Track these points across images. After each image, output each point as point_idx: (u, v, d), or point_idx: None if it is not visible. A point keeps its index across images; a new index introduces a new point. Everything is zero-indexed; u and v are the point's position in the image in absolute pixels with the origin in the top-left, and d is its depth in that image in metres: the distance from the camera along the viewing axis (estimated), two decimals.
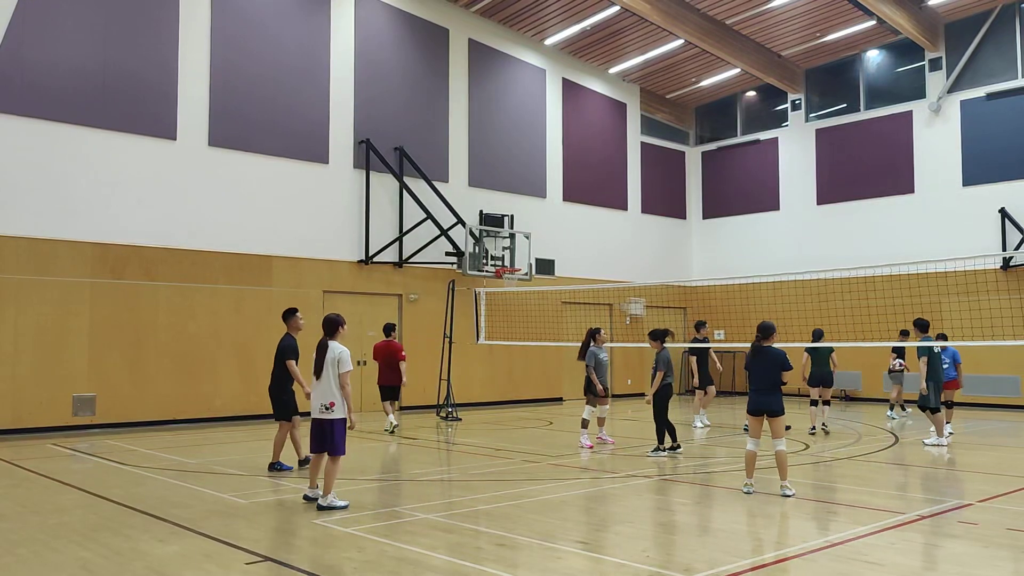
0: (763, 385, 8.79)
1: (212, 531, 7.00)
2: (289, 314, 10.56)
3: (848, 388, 22.20)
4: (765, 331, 8.98)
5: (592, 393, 12.55)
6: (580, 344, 13.00)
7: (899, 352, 16.92)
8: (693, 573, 5.69)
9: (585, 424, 12.57)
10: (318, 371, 8.14)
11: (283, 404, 10.21)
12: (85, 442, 13.08)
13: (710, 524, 7.38)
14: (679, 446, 11.80)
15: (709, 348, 15.84)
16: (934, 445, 12.67)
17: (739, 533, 7.18)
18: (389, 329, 14.89)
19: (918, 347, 12.86)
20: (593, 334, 12.83)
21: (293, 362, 10.12)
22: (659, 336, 12.02)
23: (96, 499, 8.41)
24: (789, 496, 8.39)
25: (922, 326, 13.18)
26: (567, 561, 6.08)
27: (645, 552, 6.37)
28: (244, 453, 11.91)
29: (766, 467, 9.75)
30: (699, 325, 16.09)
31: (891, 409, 17.80)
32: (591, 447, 12.29)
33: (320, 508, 7.87)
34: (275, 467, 10.25)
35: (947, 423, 14.06)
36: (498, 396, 20.44)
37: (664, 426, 11.70)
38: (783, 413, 8.81)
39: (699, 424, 15.49)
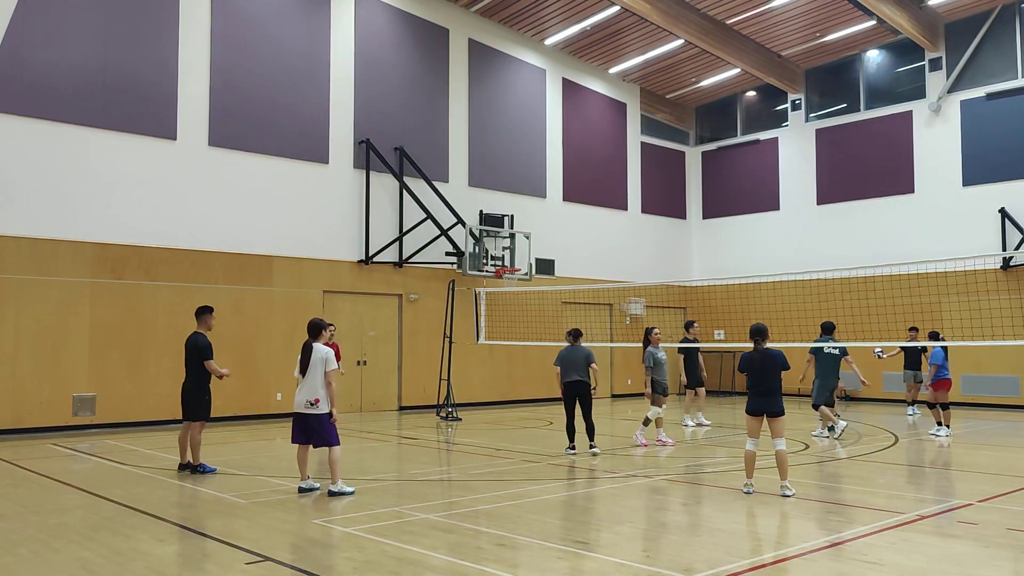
0: (764, 387, 8.76)
1: (212, 531, 7.00)
2: (205, 311, 10.37)
3: (848, 388, 22.19)
4: (763, 333, 8.96)
5: (657, 392, 12.63)
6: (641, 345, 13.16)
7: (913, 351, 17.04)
8: (693, 573, 5.69)
9: (647, 423, 12.66)
10: (304, 370, 8.74)
11: (203, 404, 10.09)
12: (85, 442, 13.08)
13: (710, 524, 7.38)
14: (574, 448, 11.74)
15: (698, 348, 15.89)
16: (817, 436, 13.67)
17: (739, 533, 7.19)
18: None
19: (811, 347, 13.68)
20: (648, 334, 12.90)
21: (212, 361, 10.05)
22: (575, 335, 12.14)
23: (96, 499, 8.41)
24: (789, 496, 8.39)
25: (826, 328, 13.95)
26: (567, 561, 6.08)
27: (645, 552, 6.37)
28: (243, 453, 11.92)
29: (766, 467, 9.75)
30: (688, 325, 16.18)
31: (910, 406, 17.95)
32: (645, 445, 12.39)
33: (331, 494, 8.50)
34: (196, 468, 9.98)
35: (943, 425, 14.06)
36: (498, 396, 20.44)
37: (576, 424, 11.80)
38: (784, 413, 8.80)
39: (691, 423, 15.59)
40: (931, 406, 14.37)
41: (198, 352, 10.10)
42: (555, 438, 14.06)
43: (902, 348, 17.04)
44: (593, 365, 11.67)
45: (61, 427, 14.11)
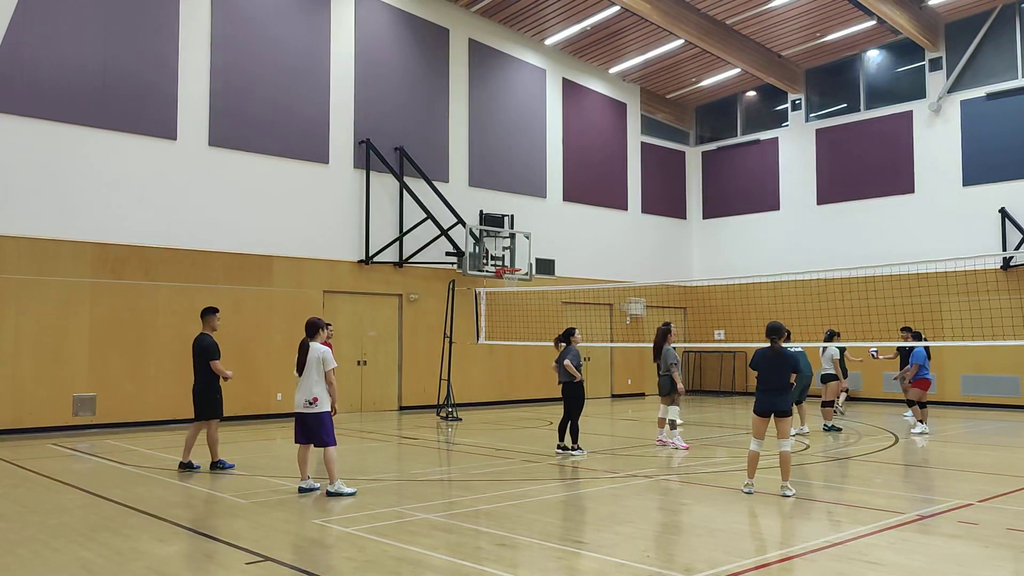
0: (774, 385, 8.71)
1: (212, 531, 7.00)
2: (210, 312, 10.55)
3: (848, 388, 22.18)
4: (780, 332, 8.92)
5: (674, 392, 12.54)
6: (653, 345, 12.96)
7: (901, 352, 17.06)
8: (693, 573, 5.69)
9: (673, 425, 12.50)
10: (300, 369, 8.76)
11: (215, 403, 10.29)
12: (85, 442, 13.09)
13: (710, 524, 7.38)
14: (577, 448, 11.73)
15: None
16: (797, 434, 13.85)
17: (740, 533, 7.18)
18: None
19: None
20: (665, 333, 12.75)
21: (218, 362, 10.20)
22: (561, 339, 12.12)
23: (96, 499, 8.41)
24: (789, 497, 8.39)
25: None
26: (567, 561, 6.09)
27: (645, 552, 6.37)
28: (244, 453, 11.92)
29: (765, 467, 9.74)
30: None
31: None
32: (687, 448, 12.25)
33: (329, 494, 8.48)
34: (216, 464, 10.27)
35: (922, 422, 14.50)
36: (498, 396, 20.44)
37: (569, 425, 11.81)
38: (791, 413, 8.81)
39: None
40: (922, 405, 14.60)
41: (204, 353, 10.20)
42: (555, 438, 14.05)
43: (898, 350, 17.04)
44: (565, 362, 11.70)
45: (61, 427, 14.11)
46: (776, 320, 9.18)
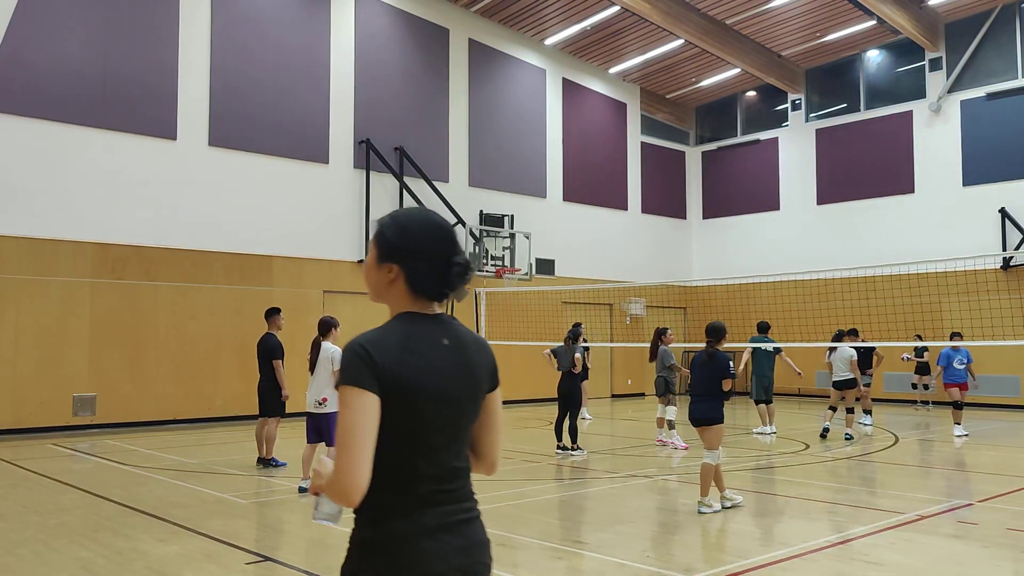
0: (698, 392, 8.07)
1: (212, 531, 7.00)
2: (273, 313, 10.77)
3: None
4: (718, 333, 8.08)
5: (671, 392, 12.54)
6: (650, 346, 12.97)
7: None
8: (693, 573, 5.69)
9: (672, 425, 12.50)
10: (312, 368, 8.83)
11: (278, 401, 10.47)
12: (85, 442, 13.08)
13: (710, 524, 7.38)
14: (576, 448, 11.76)
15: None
16: (759, 433, 13.89)
17: (739, 533, 7.18)
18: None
19: (751, 346, 14.20)
20: (660, 334, 12.76)
21: (280, 362, 10.40)
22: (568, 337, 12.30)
23: (96, 499, 8.41)
24: (704, 513, 7.70)
25: (760, 328, 14.48)
26: (567, 561, 6.09)
27: (645, 552, 6.37)
28: (244, 453, 11.90)
29: (754, 467, 9.73)
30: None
31: (865, 415, 15.95)
32: (686, 448, 12.17)
33: None
34: (269, 462, 10.52)
35: (957, 423, 14.07)
36: None
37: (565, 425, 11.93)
38: (721, 422, 7.95)
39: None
40: (959, 406, 14.24)
41: (268, 352, 10.45)
42: (555, 438, 14.05)
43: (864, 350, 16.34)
44: (546, 351, 12.28)
45: (61, 427, 14.10)
46: (719, 320, 8.39)
